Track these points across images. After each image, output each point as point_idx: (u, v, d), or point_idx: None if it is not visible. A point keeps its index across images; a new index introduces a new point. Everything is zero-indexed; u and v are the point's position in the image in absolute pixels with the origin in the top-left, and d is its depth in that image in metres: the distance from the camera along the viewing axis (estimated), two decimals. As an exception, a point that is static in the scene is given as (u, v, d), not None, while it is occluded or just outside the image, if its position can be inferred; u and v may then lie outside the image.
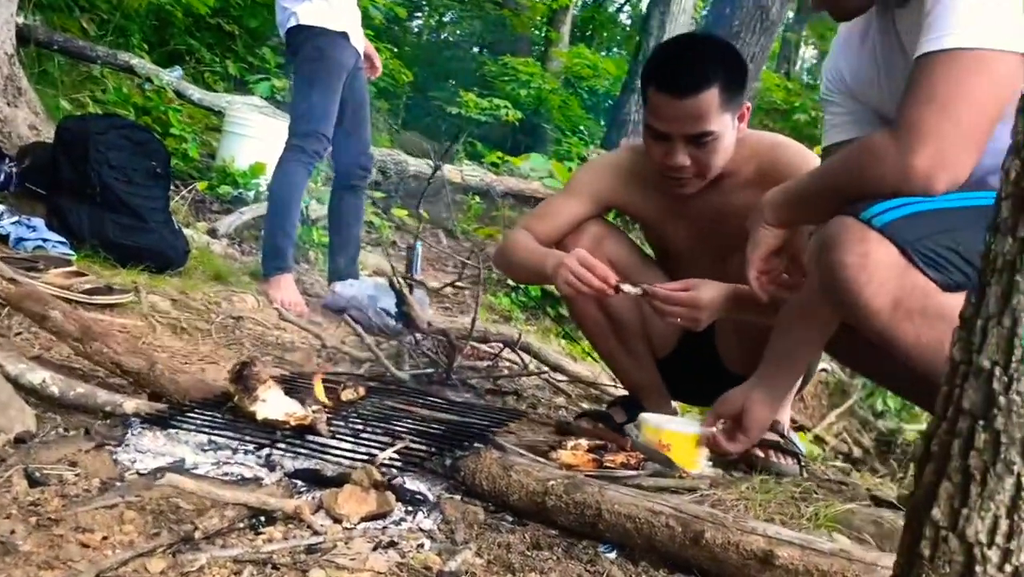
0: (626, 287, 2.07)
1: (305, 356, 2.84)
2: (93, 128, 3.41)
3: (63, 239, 3.21)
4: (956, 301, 1.37)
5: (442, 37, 14.37)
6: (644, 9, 17.44)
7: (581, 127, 10.53)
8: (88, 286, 2.67)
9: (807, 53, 17.14)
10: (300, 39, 3.64)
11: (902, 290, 1.39)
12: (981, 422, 0.62)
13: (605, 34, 17.62)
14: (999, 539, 0.61)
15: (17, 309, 2.03)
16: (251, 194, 4.95)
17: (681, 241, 2.35)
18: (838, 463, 3.22)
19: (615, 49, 17.90)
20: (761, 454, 2.16)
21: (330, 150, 3.82)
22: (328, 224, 4.06)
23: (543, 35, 13.22)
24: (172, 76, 5.63)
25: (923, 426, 7.77)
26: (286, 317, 2.90)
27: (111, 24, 6.49)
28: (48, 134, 3.97)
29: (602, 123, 9.99)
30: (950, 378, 0.66)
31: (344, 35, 3.69)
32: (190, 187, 4.76)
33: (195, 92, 5.65)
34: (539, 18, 12.93)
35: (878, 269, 1.39)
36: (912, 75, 1.46)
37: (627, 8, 19.42)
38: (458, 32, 14.09)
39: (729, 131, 2.11)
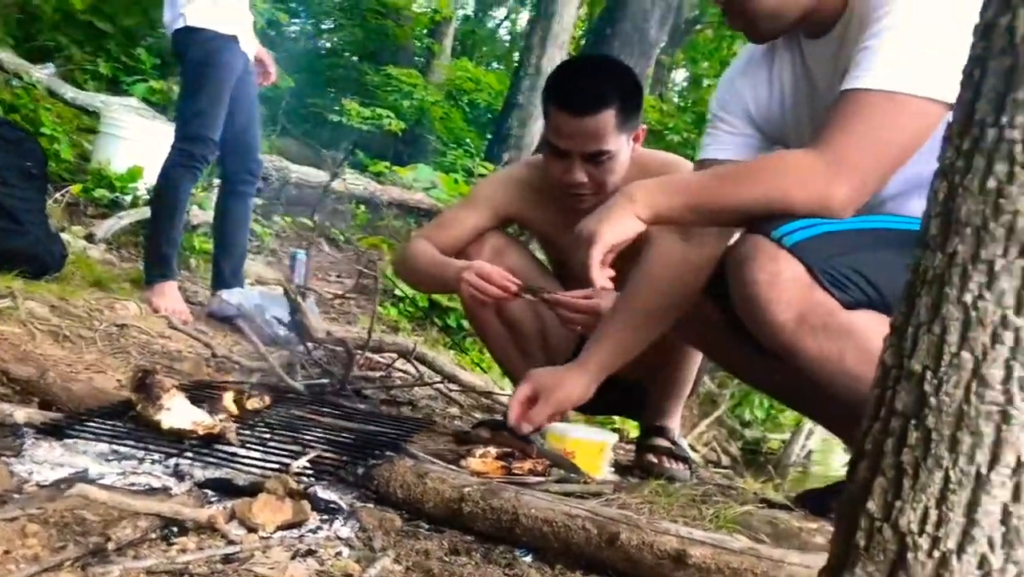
0: (527, 295, 2.13)
1: (194, 365, 2.76)
2: (-38, 124, 3.24)
3: (-73, 240, 3.04)
4: (855, 318, 1.48)
5: (320, 44, 14.15)
6: (524, 25, 17.72)
7: (467, 140, 10.57)
8: (-40, 290, 2.53)
9: (679, 76, 17.74)
10: (188, 41, 3.54)
11: (807, 307, 1.46)
12: (913, 421, 0.68)
13: (485, 49, 17.78)
14: (929, 528, 0.67)
15: None
16: (128, 198, 4.77)
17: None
18: (720, 469, 3.33)
19: (495, 64, 18.09)
20: (655, 460, 2.25)
21: (217, 154, 3.73)
22: (212, 230, 3.95)
23: (425, 47, 13.22)
24: (44, 73, 5.38)
25: (786, 436, 8.14)
26: (176, 326, 2.82)
27: (-27, 16, 6.16)
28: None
29: (487, 136, 10.06)
30: (882, 382, 0.72)
31: (234, 38, 3.62)
32: (63, 190, 4.55)
33: (68, 91, 5.42)
34: (421, 29, 12.93)
35: (786, 287, 1.47)
36: (846, 105, 1.52)
37: (506, 24, 19.68)
38: (336, 39, 13.90)
39: (624, 150, 2.21)
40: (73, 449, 1.58)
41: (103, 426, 1.65)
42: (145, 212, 4.23)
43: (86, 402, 1.77)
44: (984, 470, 0.66)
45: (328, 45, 14.05)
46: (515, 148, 9.88)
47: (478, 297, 2.16)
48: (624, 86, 2.21)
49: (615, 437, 2.02)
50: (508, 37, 19.80)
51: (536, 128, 9.75)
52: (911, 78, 1.47)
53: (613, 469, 2.04)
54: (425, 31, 13.12)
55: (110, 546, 1.23)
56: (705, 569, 1.24)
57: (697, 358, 2.31)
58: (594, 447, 1.92)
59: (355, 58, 12.96)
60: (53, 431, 1.60)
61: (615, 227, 1.61)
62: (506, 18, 19.47)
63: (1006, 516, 0.66)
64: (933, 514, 0.67)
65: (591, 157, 2.18)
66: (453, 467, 1.67)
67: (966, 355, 0.66)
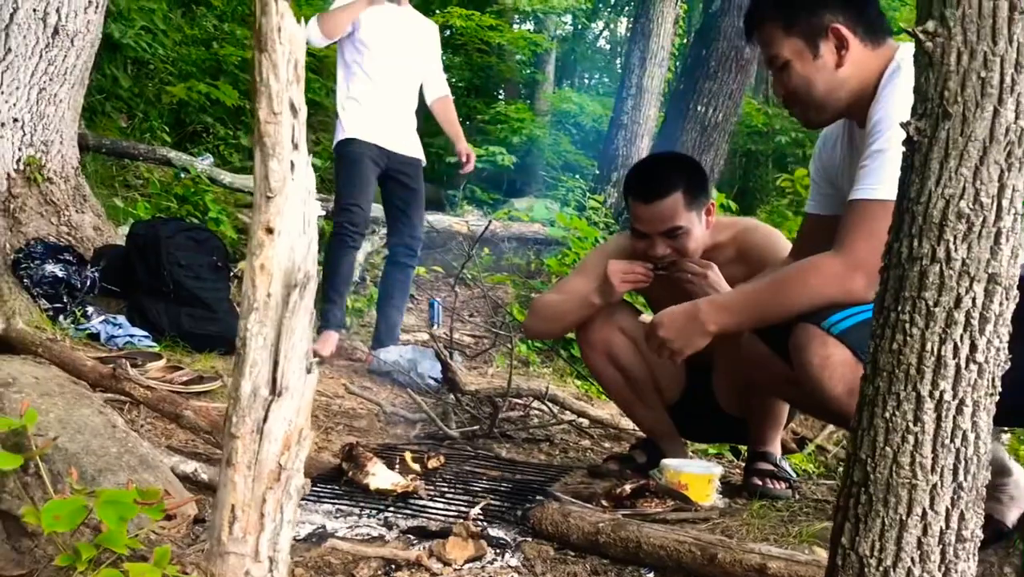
0: (659, 271, 2.62)
1: (369, 422, 3.33)
2: (163, 232, 3.93)
3: (146, 333, 3.72)
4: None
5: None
6: (623, 32, 18.03)
7: (577, 162, 11.07)
8: (185, 378, 3.17)
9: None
10: (340, 146, 4.32)
11: (854, 381, 1.87)
12: (863, 488, 1.13)
13: (587, 63, 18.25)
14: (876, 552, 1.11)
15: (155, 411, 2.53)
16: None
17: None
18: (828, 482, 3.69)
19: (598, 76, 18.51)
20: (759, 482, 2.67)
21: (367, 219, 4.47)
22: (379, 296, 4.67)
23: (529, 76, 13.79)
24: (204, 164, 6.16)
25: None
26: (352, 390, 3.40)
27: (136, 114, 7.03)
28: (109, 233, 4.47)
29: (594, 157, 10.51)
30: (846, 464, 1.17)
31: (353, 140, 4.35)
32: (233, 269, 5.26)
33: (226, 176, 6.17)
34: (524, 62, 13.50)
35: (836, 367, 1.92)
36: (853, 213, 1.97)
37: (606, 33, 20.01)
38: (449, 79, 14.61)
39: (697, 225, 2.65)
40: (308, 509, 2.13)
41: (324, 490, 2.20)
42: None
43: (308, 471, 2.32)
44: (904, 517, 1.10)
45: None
46: (623, 167, 10.23)
47: (628, 279, 2.64)
48: (688, 172, 2.68)
49: (720, 469, 2.46)
50: (609, 47, 20.14)
51: (643, 145, 10.09)
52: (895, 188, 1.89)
53: (721, 493, 2.47)
54: (527, 61, 13.69)
55: (356, 582, 1.76)
56: (780, 577, 1.68)
57: (786, 397, 2.73)
58: (703, 479, 2.37)
59: (464, 96, 13.60)
60: (290, 496, 2.16)
61: (689, 343, 2.15)
62: (605, 27, 19.74)
63: (919, 544, 1.10)
64: (878, 544, 1.11)
65: (668, 233, 2.63)
66: (588, 505, 2.15)
67: (888, 449, 1.11)
